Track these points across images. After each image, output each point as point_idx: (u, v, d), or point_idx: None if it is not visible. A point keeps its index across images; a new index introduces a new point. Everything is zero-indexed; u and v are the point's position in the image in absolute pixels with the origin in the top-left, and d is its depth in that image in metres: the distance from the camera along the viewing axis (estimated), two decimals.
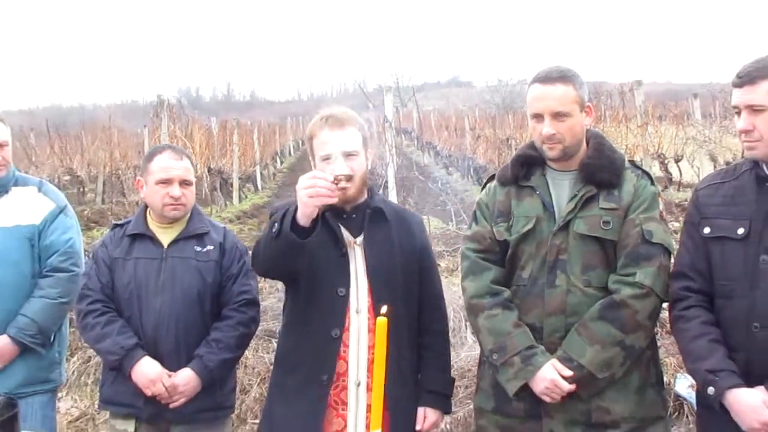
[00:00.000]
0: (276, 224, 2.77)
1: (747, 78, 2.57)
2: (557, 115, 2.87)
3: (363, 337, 3.00)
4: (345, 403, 3.00)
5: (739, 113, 2.62)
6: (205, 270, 3.43)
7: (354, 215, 3.07)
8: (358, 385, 2.99)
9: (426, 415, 3.07)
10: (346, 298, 3.01)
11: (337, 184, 2.76)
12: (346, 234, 3.05)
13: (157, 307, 3.37)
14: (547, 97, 2.89)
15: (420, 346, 3.12)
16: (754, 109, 2.57)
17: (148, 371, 3.28)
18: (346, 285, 3.01)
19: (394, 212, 3.17)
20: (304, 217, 2.74)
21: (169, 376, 3.30)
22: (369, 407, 2.88)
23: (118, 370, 3.36)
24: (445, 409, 3.22)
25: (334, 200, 2.78)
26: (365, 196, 3.11)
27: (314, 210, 2.74)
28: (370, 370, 2.95)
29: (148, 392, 3.29)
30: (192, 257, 3.44)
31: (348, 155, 2.95)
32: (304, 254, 2.85)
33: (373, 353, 2.88)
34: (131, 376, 3.30)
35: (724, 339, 2.67)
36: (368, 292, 3.00)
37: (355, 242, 3.05)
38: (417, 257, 3.12)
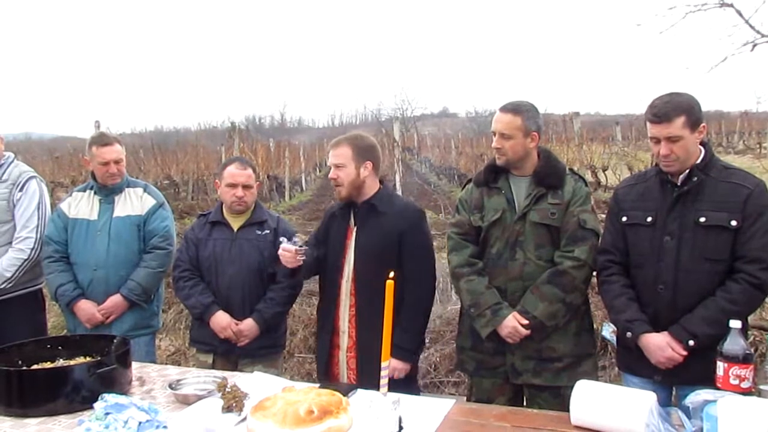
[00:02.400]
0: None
1: (665, 117, 2.50)
2: (502, 135, 2.85)
3: (347, 298, 3.01)
4: (339, 346, 3.07)
5: (657, 142, 2.55)
6: (263, 247, 3.42)
7: (360, 209, 3.05)
8: (343, 332, 3.03)
9: None
10: (340, 269, 3.03)
11: (296, 252, 2.96)
12: (352, 222, 3.07)
13: (229, 273, 3.38)
14: (499, 121, 2.87)
15: (396, 310, 2.92)
16: (672, 140, 2.51)
17: (220, 321, 3.31)
18: (341, 260, 3.03)
19: (390, 206, 3.00)
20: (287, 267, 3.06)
21: (236, 324, 3.31)
22: (348, 348, 3.02)
23: (200, 319, 3.39)
24: (406, 359, 2.93)
25: (300, 262, 3.01)
26: (372, 193, 3.03)
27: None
28: (351, 322, 3.01)
29: (221, 336, 3.31)
30: (254, 238, 3.44)
31: (336, 166, 3.00)
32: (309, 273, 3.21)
33: (352, 310, 3.00)
34: (209, 324, 3.32)
35: (637, 298, 2.65)
36: (353, 265, 2.99)
37: (354, 229, 3.05)
38: (397, 241, 2.93)
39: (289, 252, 2.96)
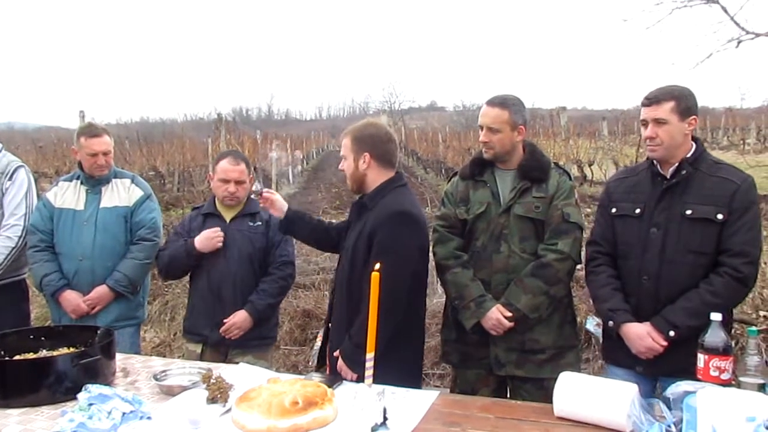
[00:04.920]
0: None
1: (654, 100, 2.59)
2: (490, 129, 2.86)
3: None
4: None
5: (645, 125, 2.62)
6: (255, 239, 3.42)
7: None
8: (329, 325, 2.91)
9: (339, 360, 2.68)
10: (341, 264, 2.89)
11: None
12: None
13: (221, 264, 3.38)
14: (486, 115, 2.88)
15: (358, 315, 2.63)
16: (659, 122, 2.57)
17: None
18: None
19: (378, 204, 2.72)
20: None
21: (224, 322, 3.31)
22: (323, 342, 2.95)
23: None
24: (351, 368, 2.57)
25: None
26: (374, 187, 2.77)
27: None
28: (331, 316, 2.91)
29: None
30: (246, 230, 3.43)
31: (342, 157, 2.83)
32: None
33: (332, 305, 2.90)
34: None
35: (622, 288, 2.68)
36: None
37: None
38: (368, 241, 2.66)
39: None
